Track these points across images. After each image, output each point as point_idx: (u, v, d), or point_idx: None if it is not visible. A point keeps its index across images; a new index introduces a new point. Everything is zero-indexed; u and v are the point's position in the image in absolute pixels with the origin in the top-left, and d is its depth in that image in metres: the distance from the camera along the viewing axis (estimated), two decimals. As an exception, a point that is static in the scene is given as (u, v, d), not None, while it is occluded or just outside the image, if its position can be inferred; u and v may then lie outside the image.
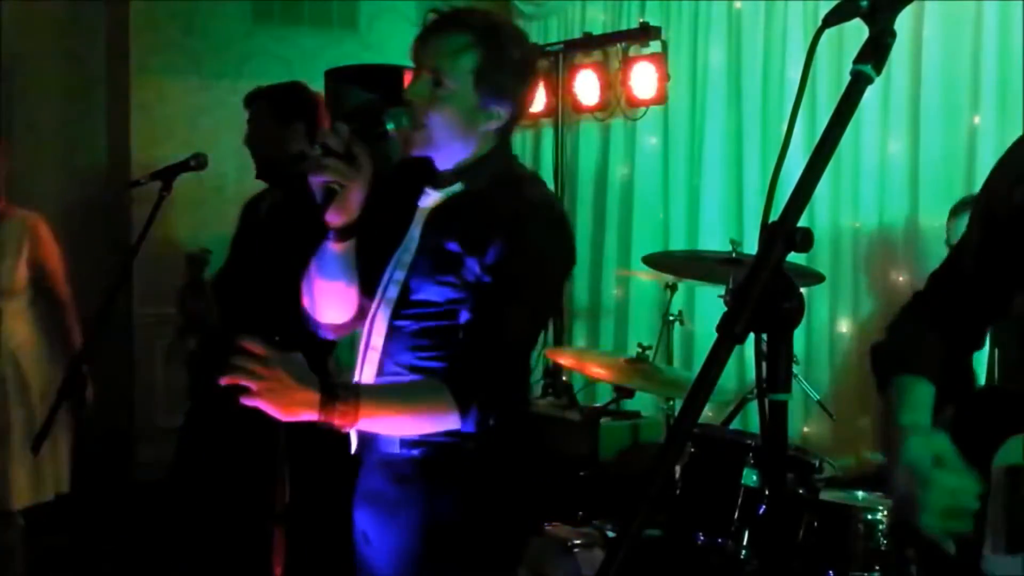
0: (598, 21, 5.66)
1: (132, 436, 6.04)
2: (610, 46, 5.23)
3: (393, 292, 2.04)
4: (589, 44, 5.36)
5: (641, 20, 5.15)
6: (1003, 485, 1.45)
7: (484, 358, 1.93)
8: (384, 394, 1.97)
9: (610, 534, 3.13)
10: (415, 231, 2.07)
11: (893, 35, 1.23)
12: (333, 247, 2.03)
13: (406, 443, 2.01)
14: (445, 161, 2.06)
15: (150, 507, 5.48)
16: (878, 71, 1.21)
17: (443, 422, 1.93)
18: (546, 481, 2.15)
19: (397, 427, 1.99)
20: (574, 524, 3.22)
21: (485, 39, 1.99)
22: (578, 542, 3.09)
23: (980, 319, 1.74)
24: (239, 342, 1.80)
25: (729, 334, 1.12)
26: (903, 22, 1.28)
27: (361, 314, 2.14)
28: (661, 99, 4.93)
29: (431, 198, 2.08)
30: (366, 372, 2.05)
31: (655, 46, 4.95)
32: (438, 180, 2.07)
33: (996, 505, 1.45)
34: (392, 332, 2.03)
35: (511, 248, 1.92)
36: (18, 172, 5.60)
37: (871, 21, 1.24)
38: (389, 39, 6.54)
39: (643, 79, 4.93)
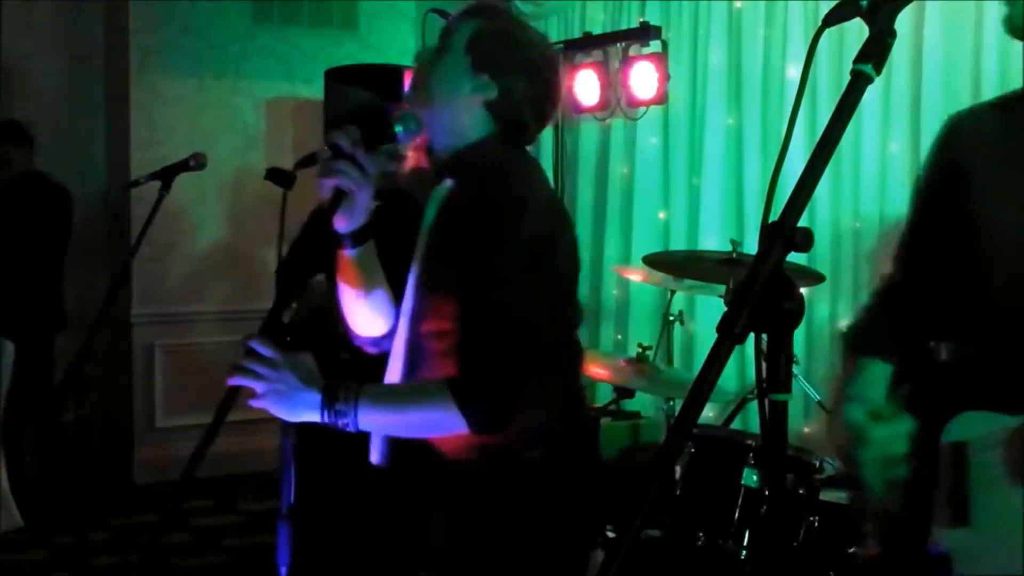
0: (598, 21, 5.67)
1: (132, 436, 6.04)
2: (610, 46, 5.23)
3: (410, 301, 2.01)
4: (589, 44, 5.35)
5: (641, 20, 5.14)
6: (948, 461, 1.52)
7: (485, 359, 1.85)
8: (386, 396, 1.92)
9: (610, 534, 3.13)
10: (424, 237, 2.03)
11: (893, 35, 1.23)
12: (347, 253, 1.99)
13: (468, 451, 1.95)
14: (438, 138, 2.01)
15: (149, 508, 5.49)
16: (878, 71, 1.21)
17: (449, 426, 1.85)
18: (604, 490, 2.09)
19: (400, 430, 1.95)
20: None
21: (485, 14, 2.04)
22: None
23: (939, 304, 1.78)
24: (246, 344, 1.79)
25: (729, 334, 1.12)
26: (904, 22, 1.28)
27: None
28: (661, 99, 4.92)
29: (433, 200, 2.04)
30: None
31: (655, 46, 4.94)
32: (435, 178, 2.03)
33: (942, 480, 1.52)
34: (412, 341, 1.99)
35: (497, 244, 1.86)
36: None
37: (871, 21, 1.24)
38: (389, 39, 6.54)
39: (643, 79, 4.92)
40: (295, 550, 2.98)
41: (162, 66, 6.03)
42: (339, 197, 1.88)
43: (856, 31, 1.22)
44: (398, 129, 1.95)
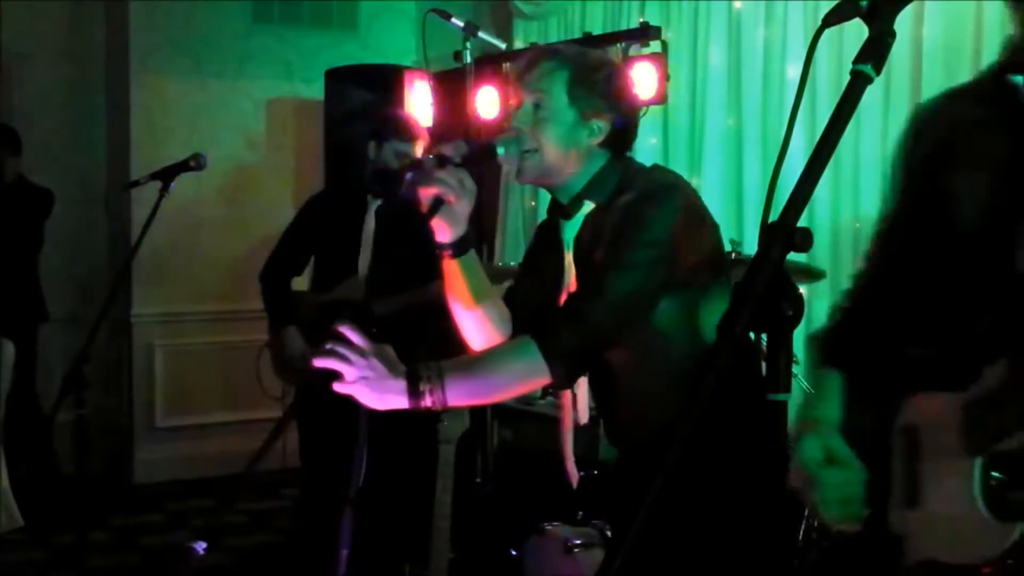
0: (598, 21, 5.66)
1: (132, 436, 6.04)
2: (610, 46, 5.22)
3: None
4: (589, 44, 5.35)
5: (641, 20, 5.14)
6: (900, 443, 1.51)
7: (572, 311, 1.99)
8: (468, 365, 2.00)
9: (610, 534, 3.12)
10: (568, 261, 2.16)
11: (893, 35, 1.23)
12: (451, 263, 2.08)
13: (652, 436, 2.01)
14: (561, 183, 2.13)
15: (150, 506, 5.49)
16: (878, 71, 1.21)
17: (534, 378, 1.97)
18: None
19: (489, 394, 2.04)
20: (574, 524, 3.21)
21: (571, 60, 2.11)
22: (578, 542, 3.08)
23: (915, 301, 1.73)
24: (337, 328, 1.86)
25: (729, 334, 1.12)
26: (903, 22, 1.28)
27: None
28: (661, 99, 4.92)
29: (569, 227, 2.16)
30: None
31: (655, 46, 4.94)
32: (569, 210, 2.14)
33: (896, 464, 1.51)
34: None
35: (617, 224, 2.01)
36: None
37: (871, 21, 1.24)
38: (389, 39, 6.54)
39: (643, 79, 4.92)
40: (356, 535, 2.96)
41: (162, 66, 6.03)
42: (437, 205, 1.97)
43: (856, 31, 1.22)
44: (500, 151, 2.05)
